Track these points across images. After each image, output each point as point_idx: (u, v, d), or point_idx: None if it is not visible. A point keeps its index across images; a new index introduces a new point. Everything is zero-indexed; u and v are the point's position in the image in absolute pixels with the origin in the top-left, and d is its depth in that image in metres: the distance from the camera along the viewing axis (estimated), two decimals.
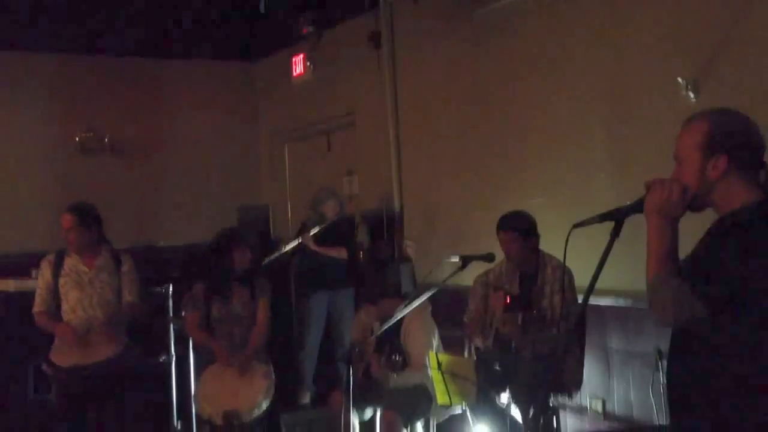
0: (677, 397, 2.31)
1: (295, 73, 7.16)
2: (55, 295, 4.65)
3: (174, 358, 5.62)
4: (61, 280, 4.66)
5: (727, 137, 2.23)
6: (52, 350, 4.65)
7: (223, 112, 8.36)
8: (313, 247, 6.27)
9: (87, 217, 4.70)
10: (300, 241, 6.32)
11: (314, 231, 6.28)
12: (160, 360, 5.61)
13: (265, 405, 4.83)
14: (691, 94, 4.13)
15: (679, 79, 4.15)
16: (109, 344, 4.65)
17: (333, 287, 6.40)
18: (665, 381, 2.42)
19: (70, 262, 4.69)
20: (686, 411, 2.25)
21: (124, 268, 4.81)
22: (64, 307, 4.65)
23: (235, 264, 5.04)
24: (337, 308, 6.44)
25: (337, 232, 6.32)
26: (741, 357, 2.11)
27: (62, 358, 4.61)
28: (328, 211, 6.35)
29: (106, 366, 4.60)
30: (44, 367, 4.66)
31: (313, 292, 6.43)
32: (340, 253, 6.29)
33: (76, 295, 4.64)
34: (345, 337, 6.32)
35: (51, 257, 4.74)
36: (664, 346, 4.12)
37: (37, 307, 4.68)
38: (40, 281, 4.72)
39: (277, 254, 6.42)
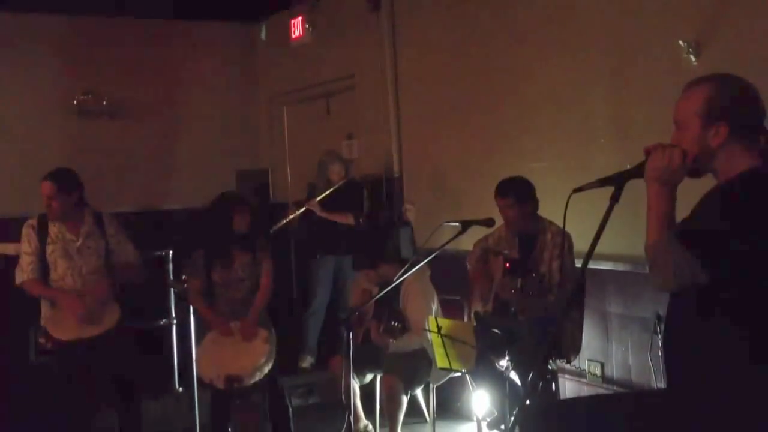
0: (674, 362, 2.31)
1: (293, 36, 7.09)
2: (43, 262, 4.55)
3: (175, 322, 5.64)
4: (48, 248, 4.55)
5: (728, 105, 2.22)
6: (47, 322, 4.54)
7: (222, 74, 8.31)
8: (319, 212, 6.25)
9: (66, 182, 4.57)
10: (306, 208, 6.30)
11: (320, 197, 6.25)
12: (161, 323, 5.62)
13: (266, 369, 4.85)
14: (692, 57, 4.10)
15: (680, 42, 4.11)
16: (108, 314, 4.59)
17: (339, 252, 6.39)
18: (662, 345, 2.42)
19: (55, 230, 4.58)
20: (683, 375, 2.27)
21: (110, 230, 4.72)
22: (53, 275, 4.57)
23: (234, 227, 5.02)
24: (343, 273, 6.43)
25: (344, 197, 6.29)
26: (737, 321, 2.12)
27: (62, 331, 4.49)
28: (333, 176, 6.31)
29: (106, 337, 4.53)
30: (41, 340, 4.54)
31: (320, 257, 6.42)
32: (347, 219, 6.25)
33: (64, 264, 4.56)
34: (349, 302, 6.33)
35: (33, 222, 4.61)
36: (663, 311, 4.14)
37: (28, 274, 4.54)
38: (25, 247, 4.57)
39: (285, 221, 6.41)
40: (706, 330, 2.17)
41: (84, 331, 4.49)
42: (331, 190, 6.23)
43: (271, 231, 6.26)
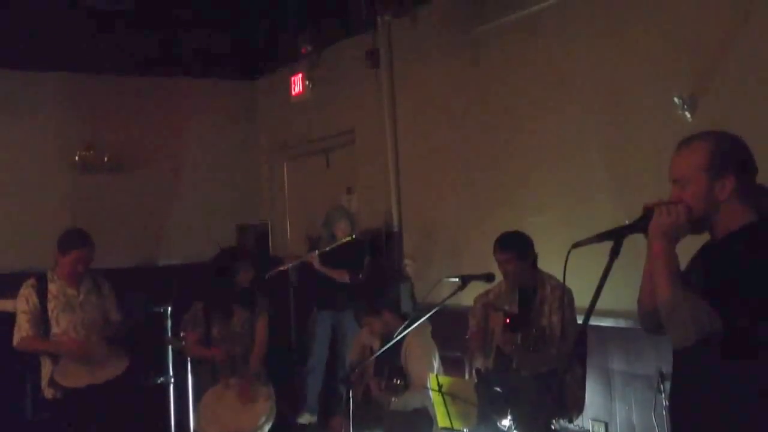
0: (682, 421, 2.27)
1: (294, 92, 7.17)
2: (43, 319, 4.57)
3: (172, 380, 5.58)
4: (50, 305, 4.59)
5: (732, 158, 2.24)
6: (56, 374, 4.53)
7: (223, 130, 8.37)
8: (317, 266, 6.23)
9: (93, 249, 4.69)
10: (304, 259, 6.28)
11: (321, 250, 6.24)
12: (158, 381, 5.56)
13: (267, 428, 4.79)
14: (687, 114, 4.14)
15: (675, 99, 4.15)
16: (115, 362, 4.63)
17: (338, 307, 6.35)
18: (668, 404, 2.39)
19: (56, 287, 4.63)
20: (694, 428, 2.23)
21: (105, 290, 4.81)
22: (55, 330, 4.59)
23: (237, 283, 5.01)
24: (341, 329, 6.39)
25: (345, 254, 6.27)
26: (750, 378, 2.11)
27: (73, 379, 4.51)
28: (339, 231, 6.32)
29: (116, 384, 4.57)
30: (46, 390, 4.55)
31: (319, 311, 6.38)
32: (342, 276, 6.23)
33: (67, 318, 4.60)
34: (348, 358, 6.27)
35: (33, 281, 4.66)
36: (666, 368, 4.12)
37: (26, 331, 4.55)
38: (23, 305, 4.59)
39: (279, 269, 6.38)
40: (719, 384, 2.16)
41: (95, 376, 4.52)
42: (334, 245, 6.21)
43: (266, 277, 6.23)
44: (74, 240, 4.66)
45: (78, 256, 4.62)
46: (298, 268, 6.45)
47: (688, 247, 2.32)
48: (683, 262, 2.29)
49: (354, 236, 6.31)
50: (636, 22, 4.53)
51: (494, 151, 5.55)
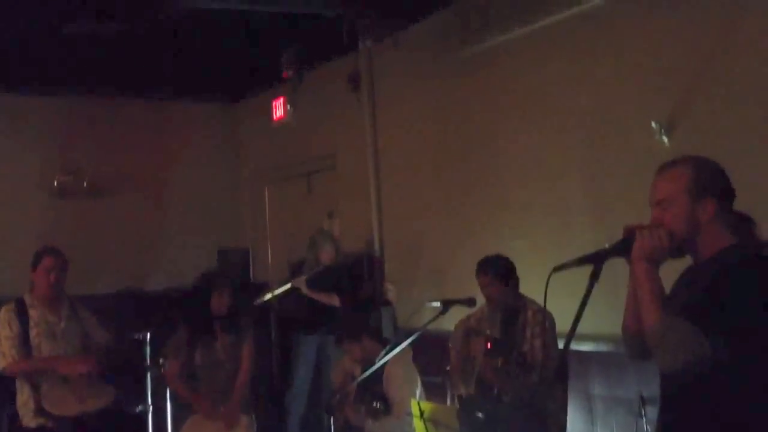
0: None
1: (275, 117, 7.16)
2: (25, 345, 4.50)
3: (151, 408, 5.50)
4: (32, 331, 4.53)
5: (713, 181, 2.27)
6: (44, 400, 4.45)
7: (204, 154, 8.35)
8: (305, 291, 6.20)
9: (66, 260, 4.65)
10: (293, 283, 6.25)
11: (308, 275, 6.21)
12: (137, 410, 5.49)
13: None
14: (665, 139, 4.18)
15: (653, 124, 4.19)
16: (104, 390, 4.59)
17: (321, 332, 6.32)
18: (657, 423, 2.37)
19: (37, 313, 4.57)
20: None
21: (84, 314, 4.76)
22: (37, 358, 4.53)
23: (213, 309, 4.95)
24: (325, 354, 6.35)
25: (329, 278, 6.25)
26: (741, 399, 2.12)
27: (62, 406, 4.44)
28: (324, 255, 6.30)
29: (104, 414, 4.53)
30: (28, 418, 4.47)
31: (303, 336, 6.34)
32: (332, 300, 6.20)
33: (49, 347, 4.54)
34: (331, 384, 6.24)
35: (11, 306, 4.58)
36: (647, 392, 4.11)
37: (12, 357, 4.47)
38: (6, 331, 4.50)
39: (269, 296, 6.34)
40: (707, 404, 2.16)
41: (85, 404, 4.47)
42: (319, 269, 6.20)
43: (255, 303, 6.20)
44: (43, 251, 4.62)
45: (48, 265, 4.55)
46: (286, 294, 6.40)
47: (670, 271, 2.32)
48: (666, 286, 2.29)
49: (338, 260, 6.31)
50: (615, 48, 4.58)
51: (476, 175, 5.57)
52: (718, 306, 2.11)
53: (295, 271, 6.47)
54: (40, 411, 4.45)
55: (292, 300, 6.32)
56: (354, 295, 6.43)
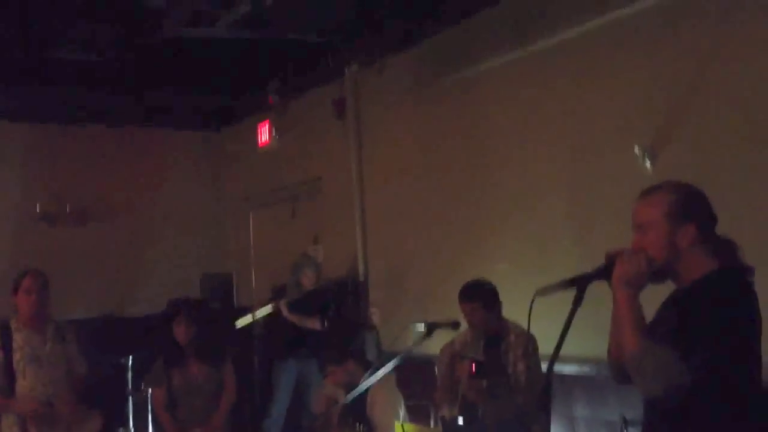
0: None
1: (260, 142, 7.20)
2: (8, 371, 4.45)
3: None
4: (16, 355, 4.47)
5: (694, 206, 2.29)
6: (29, 427, 4.40)
7: (188, 179, 8.36)
8: (286, 314, 6.21)
9: (47, 281, 4.60)
10: (274, 306, 6.26)
11: (290, 299, 6.23)
12: None
13: None
14: (648, 164, 4.23)
15: (636, 149, 4.24)
16: (91, 420, 4.57)
17: (301, 356, 6.32)
18: None
19: (21, 337, 4.51)
20: None
21: (69, 338, 4.70)
22: (21, 383, 4.47)
23: (177, 337, 4.92)
24: (305, 378, 6.35)
25: (311, 303, 6.27)
26: (722, 420, 2.14)
27: None
28: (305, 280, 6.32)
29: None
30: None
31: (282, 361, 6.34)
32: (314, 324, 6.22)
33: (33, 372, 4.48)
34: (312, 408, 6.23)
35: None
36: (629, 414, 4.15)
37: None
38: None
39: (251, 319, 6.34)
40: (690, 426, 2.18)
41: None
42: (300, 293, 6.21)
43: (236, 327, 6.19)
44: (23, 273, 4.58)
45: (27, 285, 4.50)
46: (267, 318, 6.41)
47: (654, 296, 2.35)
48: (650, 311, 2.32)
49: (320, 284, 6.32)
50: (598, 75, 4.65)
51: (459, 200, 5.62)
52: (697, 333, 2.12)
53: (276, 295, 6.48)
54: None
55: (273, 324, 6.32)
56: (338, 319, 6.45)
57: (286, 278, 6.53)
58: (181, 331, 4.86)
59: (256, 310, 6.43)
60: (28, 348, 4.51)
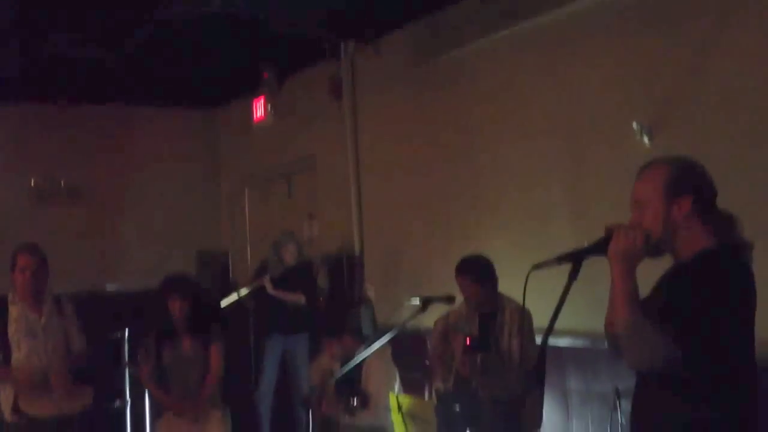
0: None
1: (256, 117, 7.19)
2: (3, 343, 4.47)
3: (129, 404, 5.53)
4: (11, 328, 4.50)
5: (690, 180, 2.30)
6: (20, 398, 4.44)
7: (183, 157, 8.36)
8: (270, 290, 6.27)
9: (44, 258, 4.60)
10: (257, 283, 6.31)
11: (273, 275, 6.27)
12: (115, 405, 5.51)
13: None
14: (645, 139, 4.23)
15: (634, 124, 4.26)
16: (80, 394, 4.58)
17: (287, 332, 6.38)
18: (631, 418, 2.43)
19: (17, 310, 4.53)
20: None
21: (67, 312, 4.72)
22: (16, 355, 4.49)
23: (171, 312, 4.96)
24: (292, 353, 6.42)
25: (295, 277, 6.32)
26: (709, 397, 2.17)
27: (37, 407, 4.43)
28: (287, 255, 6.36)
29: (80, 417, 4.52)
30: (9, 415, 4.44)
31: (268, 336, 6.39)
32: (298, 299, 6.29)
33: (29, 344, 4.50)
34: (301, 381, 6.31)
35: None
36: (622, 386, 4.20)
37: None
38: None
39: (236, 297, 6.39)
40: (677, 407, 2.21)
41: (60, 407, 4.44)
42: (283, 269, 6.28)
43: (221, 306, 6.24)
44: (19, 250, 4.58)
45: (22, 264, 4.51)
46: (254, 293, 6.46)
47: (651, 270, 2.37)
48: (648, 286, 2.35)
49: (302, 259, 6.38)
50: (596, 50, 4.65)
51: (455, 175, 5.63)
52: (690, 308, 2.15)
53: (258, 273, 6.53)
54: (16, 409, 4.43)
55: (259, 301, 6.38)
56: (334, 295, 6.51)
57: (268, 255, 6.58)
58: (175, 307, 4.89)
59: (242, 289, 6.47)
60: (24, 321, 4.53)
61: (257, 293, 6.39)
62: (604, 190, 4.50)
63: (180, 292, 4.92)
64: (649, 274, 2.37)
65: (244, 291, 6.41)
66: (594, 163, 4.63)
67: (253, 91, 7.24)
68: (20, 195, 7.46)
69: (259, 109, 7.10)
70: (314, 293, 6.36)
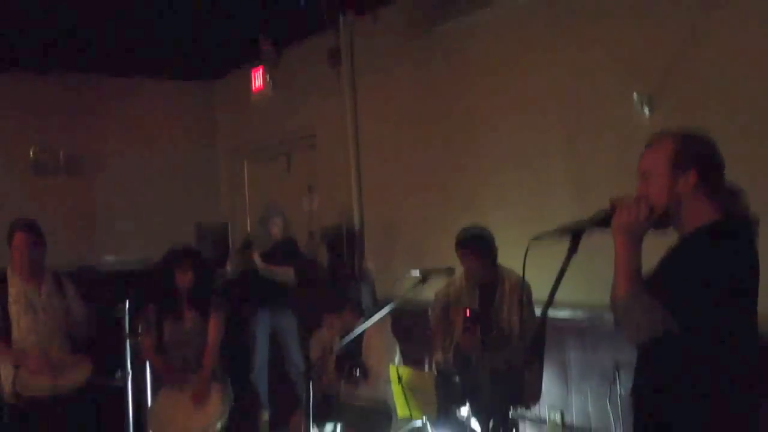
0: (646, 406, 2.33)
1: (254, 87, 7.16)
2: (3, 321, 4.47)
3: (130, 376, 5.55)
4: (11, 307, 4.50)
5: (697, 153, 2.29)
6: (17, 380, 4.43)
7: (182, 129, 8.33)
8: (260, 266, 6.26)
9: (40, 235, 4.58)
10: (246, 258, 6.30)
11: (262, 250, 6.29)
12: (116, 376, 5.53)
13: (219, 426, 4.80)
14: (646, 111, 4.21)
15: (635, 96, 4.23)
16: (78, 369, 4.57)
17: (275, 308, 6.39)
18: (631, 392, 2.43)
19: (16, 288, 4.54)
20: (656, 419, 2.29)
21: (70, 292, 4.73)
22: (15, 333, 4.50)
23: (178, 283, 4.98)
24: (281, 327, 6.44)
25: (282, 251, 6.31)
26: (707, 371, 2.18)
27: (34, 388, 4.43)
28: (274, 229, 6.35)
29: (79, 393, 4.52)
30: (10, 397, 4.45)
31: (256, 312, 6.40)
32: (288, 273, 6.29)
33: (28, 321, 4.51)
34: (293, 355, 6.33)
35: None
36: (621, 359, 4.22)
37: None
38: None
39: (226, 275, 6.36)
40: (677, 383, 2.21)
41: (57, 384, 4.44)
42: (270, 243, 6.29)
43: (214, 286, 6.24)
44: (16, 226, 4.56)
45: (18, 242, 4.50)
46: (242, 270, 6.45)
47: (659, 245, 2.35)
48: (654, 259, 2.33)
49: (288, 233, 6.42)
50: (596, 21, 4.60)
51: (455, 148, 5.61)
52: (692, 283, 2.14)
53: (244, 247, 6.53)
54: (14, 390, 4.44)
55: (246, 276, 6.36)
56: (332, 270, 6.51)
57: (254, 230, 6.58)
58: (185, 278, 4.91)
59: (231, 267, 6.46)
60: (23, 298, 4.53)
61: (244, 270, 6.38)
62: (604, 162, 4.48)
63: (188, 264, 4.94)
64: (657, 249, 2.35)
65: (231, 269, 6.39)
66: (594, 135, 4.60)
67: (252, 63, 7.19)
68: (19, 168, 7.43)
69: (258, 79, 7.07)
70: (303, 267, 6.35)
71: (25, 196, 7.30)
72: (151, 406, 5.05)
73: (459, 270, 4.45)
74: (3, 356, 4.50)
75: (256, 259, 6.25)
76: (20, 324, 4.50)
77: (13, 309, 4.51)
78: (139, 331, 5.13)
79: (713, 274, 2.14)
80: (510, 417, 4.24)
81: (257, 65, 7.04)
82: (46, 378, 4.44)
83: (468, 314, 4.27)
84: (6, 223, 4.68)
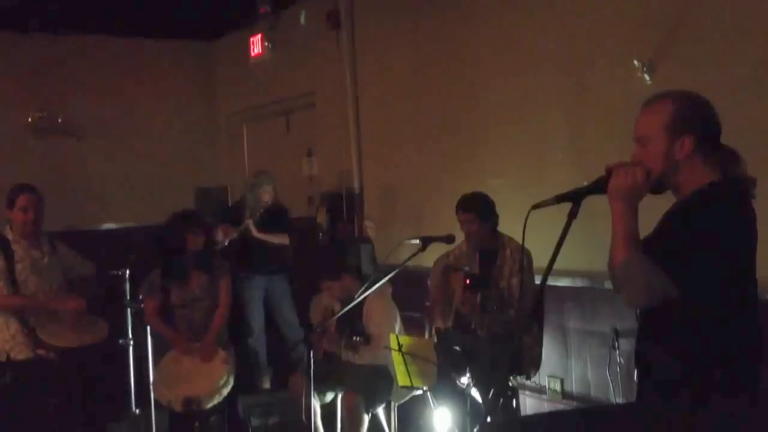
0: (648, 372, 2.32)
1: (253, 54, 7.08)
2: (11, 280, 4.48)
3: (132, 342, 5.56)
4: (18, 266, 4.51)
5: (693, 117, 2.25)
6: (39, 331, 4.46)
7: (181, 92, 8.27)
8: (255, 234, 6.24)
9: (41, 198, 4.61)
10: (242, 227, 6.28)
11: (254, 217, 6.29)
12: (119, 343, 5.54)
13: (225, 391, 4.81)
14: (647, 76, 4.16)
15: (635, 61, 4.18)
16: (98, 324, 4.66)
17: (268, 272, 6.38)
18: (635, 354, 2.42)
19: (21, 248, 4.55)
20: (652, 389, 2.29)
21: (63, 249, 4.76)
22: (24, 293, 4.53)
23: (188, 247, 4.98)
24: (274, 293, 6.45)
25: (273, 218, 6.31)
26: (707, 335, 2.16)
27: (59, 338, 4.48)
28: (264, 196, 6.33)
29: (102, 346, 4.62)
30: (23, 351, 4.46)
31: (249, 278, 6.39)
32: (283, 240, 6.28)
33: (35, 281, 4.54)
34: (289, 318, 6.35)
35: None
36: (621, 326, 4.22)
37: (1, 290, 4.48)
38: None
39: (222, 245, 6.32)
40: (675, 345, 2.20)
41: (83, 338, 4.52)
42: (261, 210, 6.30)
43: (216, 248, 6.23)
44: (19, 188, 4.58)
45: (23, 203, 4.52)
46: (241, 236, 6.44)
47: (657, 209, 2.33)
48: (651, 225, 2.31)
49: (277, 199, 6.40)
50: None
51: (455, 113, 5.57)
52: (688, 245, 2.13)
53: (233, 213, 6.49)
54: (35, 342, 4.45)
55: (239, 242, 6.34)
56: (333, 233, 6.49)
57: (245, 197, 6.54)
58: (197, 241, 4.90)
59: (221, 231, 6.41)
60: (29, 259, 4.56)
61: (240, 236, 6.36)
62: (604, 128, 4.45)
63: (199, 226, 4.96)
64: (655, 213, 2.32)
65: (227, 240, 6.34)
66: (594, 101, 4.57)
67: (250, 24, 7.10)
68: (18, 130, 7.39)
69: (257, 45, 6.99)
70: (294, 232, 6.33)
71: (23, 159, 7.26)
72: (154, 371, 5.06)
73: (459, 236, 4.43)
74: (24, 304, 4.50)
75: (251, 227, 6.23)
76: (28, 284, 4.54)
77: (20, 269, 4.52)
78: (140, 296, 5.13)
79: (706, 234, 2.12)
80: (510, 385, 4.24)
81: (256, 31, 6.94)
82: (68, 332, 4.51)
83: (468, 280, 4.27)
84: (3, 185, 4.67)
